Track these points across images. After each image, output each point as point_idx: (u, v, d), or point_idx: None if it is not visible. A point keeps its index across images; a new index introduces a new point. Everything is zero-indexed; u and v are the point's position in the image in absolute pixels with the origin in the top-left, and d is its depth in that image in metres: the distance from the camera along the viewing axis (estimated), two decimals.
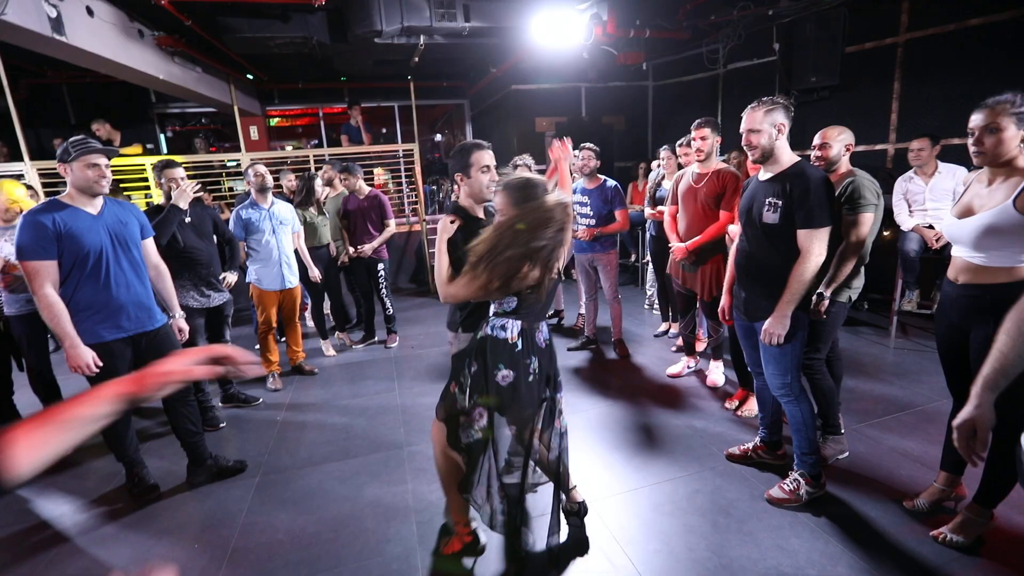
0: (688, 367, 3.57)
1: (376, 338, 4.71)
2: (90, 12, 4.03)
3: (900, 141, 4.84)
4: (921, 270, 3.84)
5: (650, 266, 4.89)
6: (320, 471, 2.68)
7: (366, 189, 4.39)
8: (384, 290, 4.51)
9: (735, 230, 2.80)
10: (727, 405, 3.07)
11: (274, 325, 3.74)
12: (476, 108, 9.33)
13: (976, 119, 1.64)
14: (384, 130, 9.96)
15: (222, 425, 3.21)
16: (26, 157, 5.27)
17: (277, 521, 2.31)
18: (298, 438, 3.07)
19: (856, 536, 1.99)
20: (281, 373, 3.88)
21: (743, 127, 2.08)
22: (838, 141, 2.33)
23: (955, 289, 1.79)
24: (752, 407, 2.89)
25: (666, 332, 4.43)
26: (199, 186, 3.11)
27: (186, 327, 2.74)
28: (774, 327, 2.03)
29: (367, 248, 4.28)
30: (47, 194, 5.13)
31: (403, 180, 7.09)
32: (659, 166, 4.35)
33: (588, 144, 3.80)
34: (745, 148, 2.09)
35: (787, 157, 2.06)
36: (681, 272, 3.28)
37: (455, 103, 9.65)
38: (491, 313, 1.81)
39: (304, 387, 3.80)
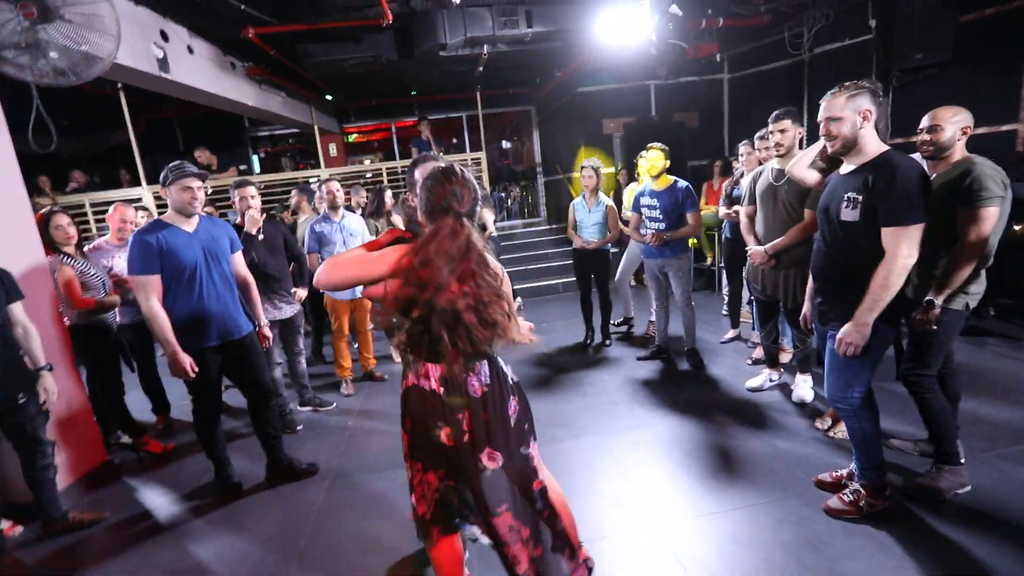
0: (770, 380, 3.26)
1: None
2: (190, 50, 4.48)
3: None
4: None
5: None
6: (385, 478, 2.73)
7: None
8: None
9: None
10: (818, 425, 2.76)
11: (346, 332, 3.91)
12: (542, 114, 9.31)
13: None
14: (455, 140, 10.22)
15: (299, 428, 3.38)
16: (144, 182, 5.97)
17: (344, 525, 2.37)
18: (366, 443, 3.16)
19: None
20: (353, 379, 4.04)
21: (821, 115, 1.88)
22: (952, 123, 2.01)
23: None
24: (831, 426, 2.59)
25: (733, 339, 4.19)
26: (264, 214, 3.31)
27: (270, 334, 2.93)
28: (852, 336, 1.81)
29: None
30: (161, 214, 5.78)
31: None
32: (740, 163, 4.04)
33: (656, 144, 3.62)
34: (824, 138, 1.89)
35: (873, 147, 1.82)
36: (761, 277, 3.01)
37: (522, 109, 9.69)
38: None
39: (374, 393, 3.93)
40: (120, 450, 3.29)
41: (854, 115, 1.79)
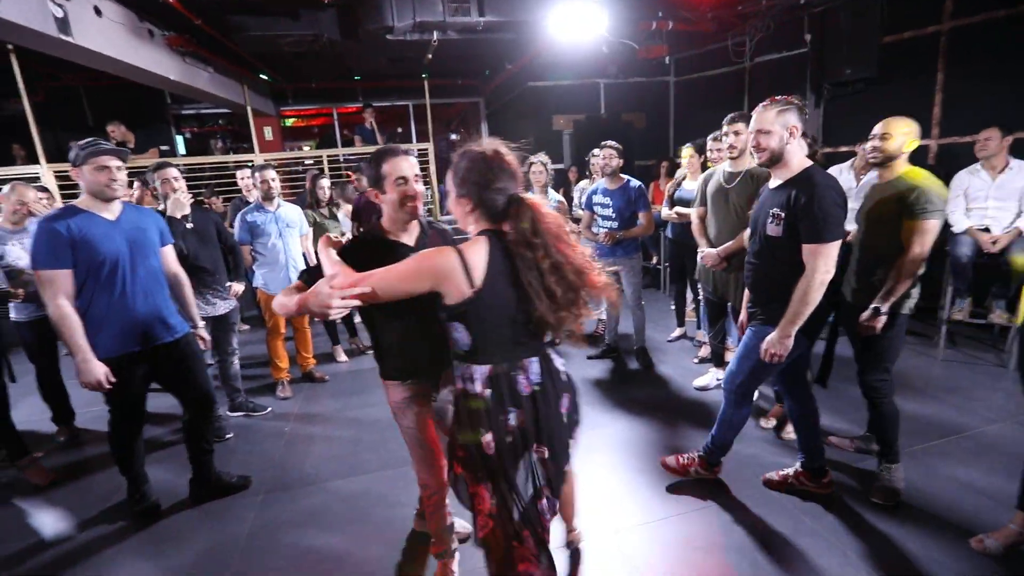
0: (717, 379, 3.35)
1: None
2: (98, 12, 3.96)
3: (944, 136, 4.52)
4: (973, 276, 3.54)
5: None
6: (326, 490, 2.54)
7: None
8: None
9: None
10: (763, 424, 2.84)
11: (283, 331, 3.62)
12: (491, 106, 9.16)
13: None
14: (400, 129, 9.87)
15: (228, 436, 3.09)
16: (42, 159, 5.27)
17: (279, 544, 2.17)
18: (305, 451, 2.93)
19: None
20: (291, 380, 3.76)
21: (752, 126, 1.94)
22: (903, 134, 2.10)
23: None
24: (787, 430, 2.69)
25: (679, 338, 4.29)
26: (191, 196, 3.00)
27: (208, 337, 2.65)
28: (776, 347, 1.93)
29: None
30: (64, 197, 5.13)
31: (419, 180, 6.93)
32: (683, 165, 4.11)
33: (610, 142, 3.60)
34: (752, 150, 1.96)
35: (797, 162, 1.91)
36: (712, 279, 3.06)
37: (470, 101, 9.49)
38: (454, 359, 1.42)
39: (314, 396, 3.68)
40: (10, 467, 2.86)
41: (782, 130, 1.86)
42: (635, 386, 3.50)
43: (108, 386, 2.05)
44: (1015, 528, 1.82)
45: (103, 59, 4.17)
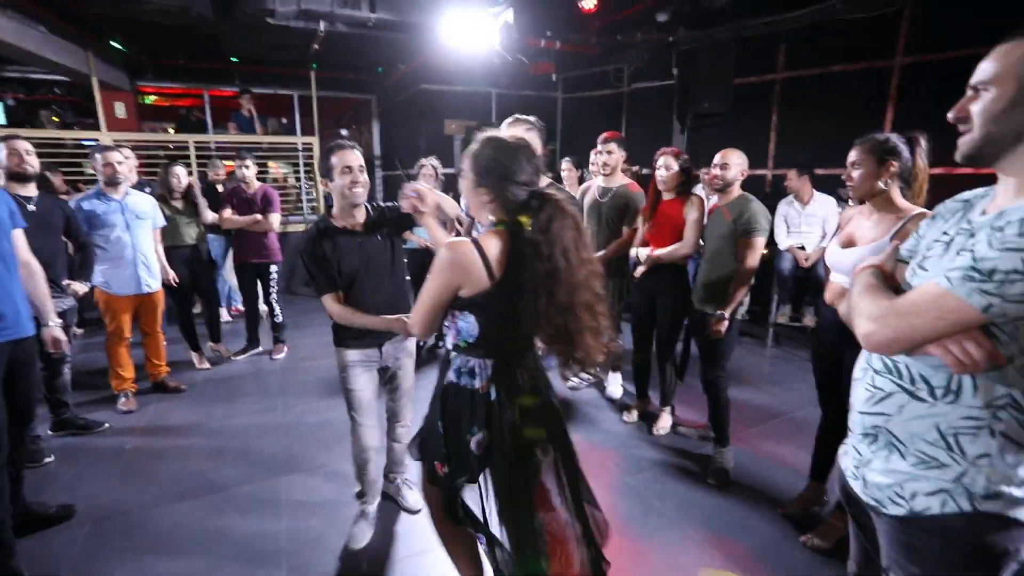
0: (585, 379, 3.59)
1: (260, 348, 4.24)
2: None
3: (777, 168, 5.34)
4: (793, 286, 4.24)
5: None
6: (176, 510, 2.29)
7: (256, 183, 3.95)
8: (274, 295, 4.09)
9: (642, 252, 2.83)
10: (625, 418, 3.11)
11: (127, 335, 3.19)
12: (383, 105, 8.93)
13: (850, 155, 1.75)
14: (284, 120, 9.20)
15: (48, 460, 2.64)
16: None
17: None
18: (151, 470, 2.62)
19: (741, 548, 2.06)
20: (137, 392, 3.32)
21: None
22: (737, 164, 2.44)
23: (833, 314, 1.91)
24: (662, 424, 2.97)
25: None
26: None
27: (62, 337, 2.26)
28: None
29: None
30: None
31: (302, 175, 6.54)
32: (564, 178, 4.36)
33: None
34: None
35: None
36: None
37: (362, 98, 9.15)
38: (449, 348, 1.39)
39: (166, 408, 3.29)
40: None
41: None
42: None
43: None
44: (808, 494, 2.22)
45: None
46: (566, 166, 4.09)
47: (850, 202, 1.97)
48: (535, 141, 2.07)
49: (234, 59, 7.42)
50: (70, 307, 2.80)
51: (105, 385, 3.32)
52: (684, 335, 3.32)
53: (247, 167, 3.87)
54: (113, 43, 6.33)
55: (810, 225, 4.16)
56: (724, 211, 2.47)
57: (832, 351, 1.97)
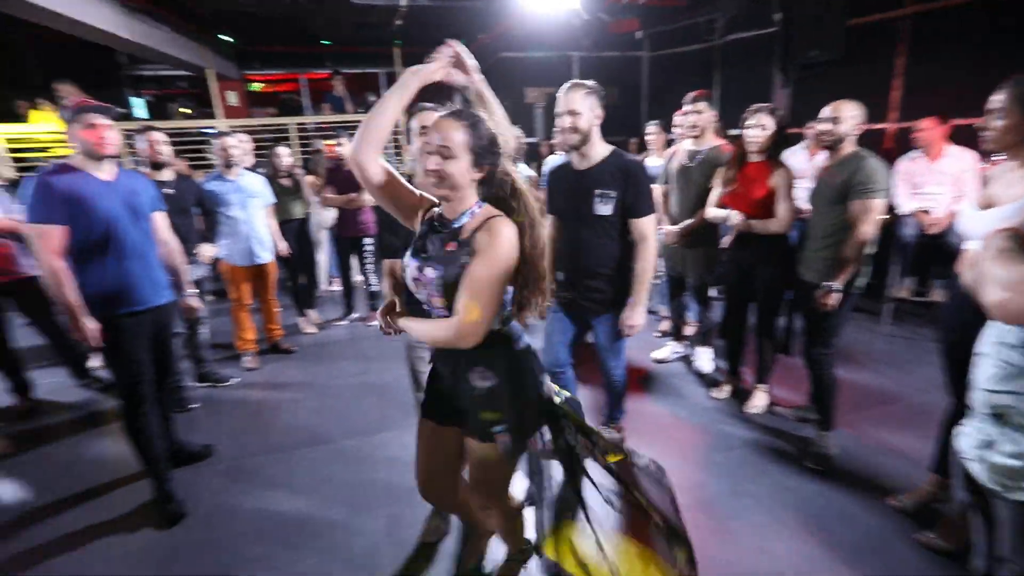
0: (675, 353, 3.48)
1: (357, 314, 4.57)
2: None
3: (903, 121, 4.67)
4: (916, 255, 3.73)
5: None
6: (290, 458, 2.58)
7: None
8: (369, 265, 4.37)
9: (723, 214, 2.66)
10: (714, 394, 2.99)
11: (248, 302, 3.59)
12: None
13: (993, 100, 1.48)
14: (372, 98, 9.59)
15: (194, 407, 3.08)
16: None
17: (241, 511, 2.21)
18: (271, 422, 2.96)
19: (840, 538, 1.93)
20: (258, 352, 3.74)
21: (561, 107, 2.04)
22: (851, 118, 2.17)
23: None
24: (756, 402, 2.82)
25: None
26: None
27: (196, 304, 2.63)
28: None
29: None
30: (15, 159, 4.90)
31: (391, 150, 6.79)
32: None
33: None
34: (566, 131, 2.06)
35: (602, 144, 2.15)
36: (672, 255, 3.15)
37: None
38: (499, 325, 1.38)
39: (281, 367, 3.68)
40: None
41: (590, 112, 2.01)
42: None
43: (100, 343, 2.03)
44: (927, 488, 2.00)
45: (47, 14, 3.93)
46: (652, 130, 3.86)
47: (995, 156, 1.68)
48: (594, 106, 2.00)
49: (325, 42, 7.80)
50: (204, 275, 3.19)
51: (230, 346, 3.78)
52: (788, 308, 3.07)
53: (341, 145, 4.11)
54: (222, 36, 6.91)
55: (940, 184, 3.59)
56: (833, 171, 2.21)
57: (965, 330, 1.72)
